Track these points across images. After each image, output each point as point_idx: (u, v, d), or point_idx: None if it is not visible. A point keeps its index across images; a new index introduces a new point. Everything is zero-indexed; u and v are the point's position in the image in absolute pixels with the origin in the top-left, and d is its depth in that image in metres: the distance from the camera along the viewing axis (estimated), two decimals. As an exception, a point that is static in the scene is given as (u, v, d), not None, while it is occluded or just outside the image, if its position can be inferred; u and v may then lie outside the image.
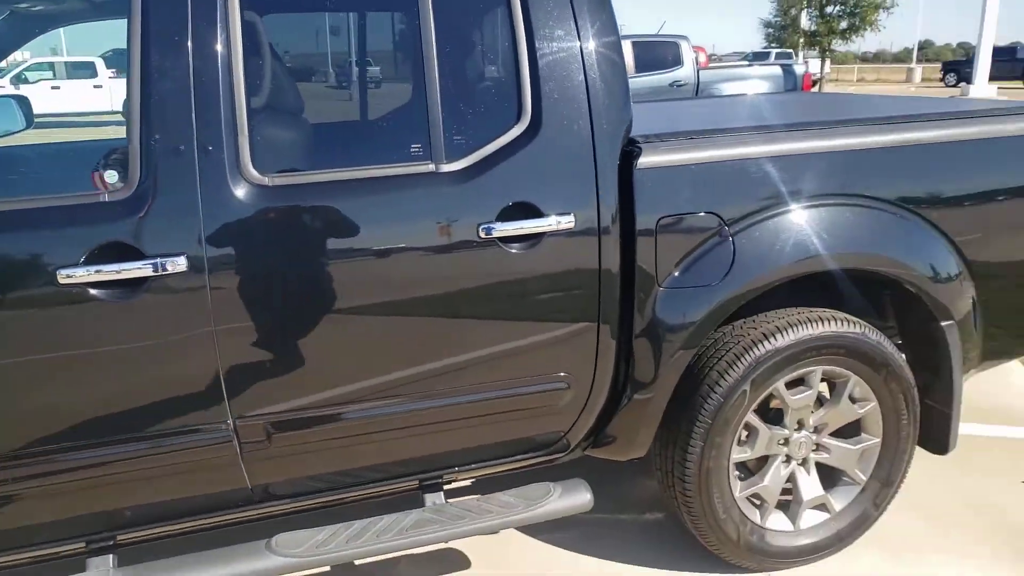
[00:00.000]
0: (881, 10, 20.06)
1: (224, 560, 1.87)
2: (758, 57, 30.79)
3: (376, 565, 2.42)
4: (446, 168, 1.87)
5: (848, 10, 20.21)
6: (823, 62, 22.84)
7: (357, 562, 2.42)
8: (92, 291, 1.66)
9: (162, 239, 1.69)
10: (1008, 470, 2.86)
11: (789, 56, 27.27)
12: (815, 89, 18.35)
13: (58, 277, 1.63)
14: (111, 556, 1.88)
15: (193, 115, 1.69)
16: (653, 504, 2.69)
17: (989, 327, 2.40)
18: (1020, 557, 2.37)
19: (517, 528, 2.58)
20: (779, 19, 27.68)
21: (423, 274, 1.87)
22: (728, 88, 11.35)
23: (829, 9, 20.38)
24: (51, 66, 18.93)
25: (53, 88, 18.34)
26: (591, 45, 1.96)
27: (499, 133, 1.90)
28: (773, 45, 29.75)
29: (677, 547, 2.44)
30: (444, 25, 1.87)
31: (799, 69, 11.47)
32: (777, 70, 12.07)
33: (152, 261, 1.67)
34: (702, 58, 13.13)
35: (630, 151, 2.00)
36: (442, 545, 2.51)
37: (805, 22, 22.95)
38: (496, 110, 1.94)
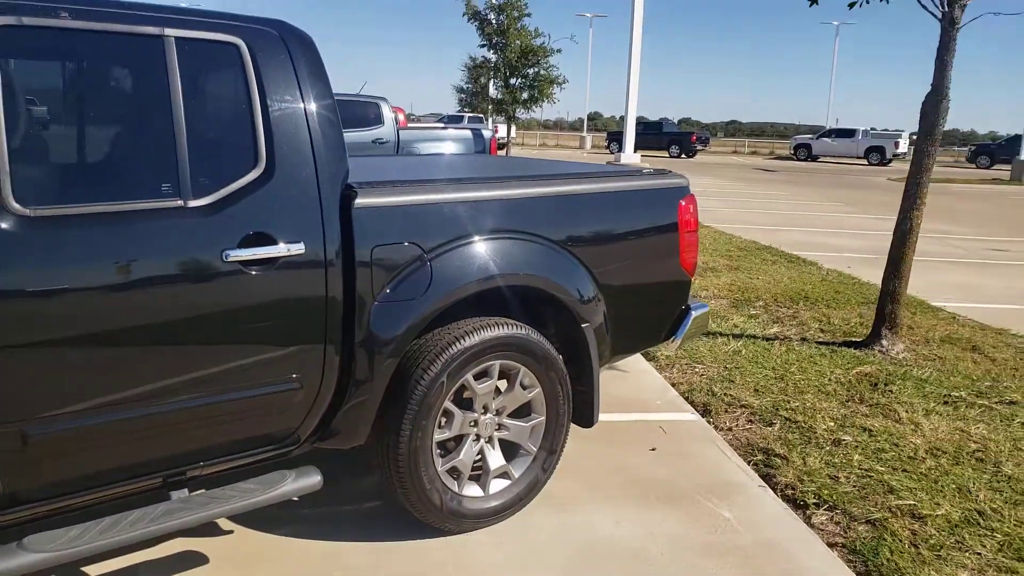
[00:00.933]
0: (555, 85, 23.14)
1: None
2: (453, 120, 33.42)
3: (120, 572, 2.63)
4: (193, 204, 2.29)
5: (528, 83, 23.02)
6: (509, 127, 25.63)
7: (94, 571, 2.61)
8: None
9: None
10: (640, 442, 3.88)
11: (480, 120, 30.03)
12: (501, 152, 20.62)
13: None
14: None
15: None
16: (369, 497, 3.23)
17: (615, 331, 3.36)
18: (645, 499, 3.31)
19: (256, 528, 2.95)
20: (470, 86, 30.32)
21: (174, 294, 2.25)
22: (425, 147, 12.49)
23: (512, 81, 23.02)
24: None
25: None
26: (313, 107, 2.53)
27: (239, 175, 2.37)
28: (466, 109, 32.44)
29: (387, 525, 3.00)
30: (187, 81, 2.31)
31: (487, 133, 12.99)
32: (468, 133, 13.52)
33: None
34: (401, 118, 14.22)
35: (348, 193, 2.58)
36: (181, 547, 2.79)
37: (492, 91, 25.55)
38: (236, 156, 2.40)
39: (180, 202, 2.28)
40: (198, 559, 2.76)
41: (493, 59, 22.70)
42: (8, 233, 2.00)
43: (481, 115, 31.96)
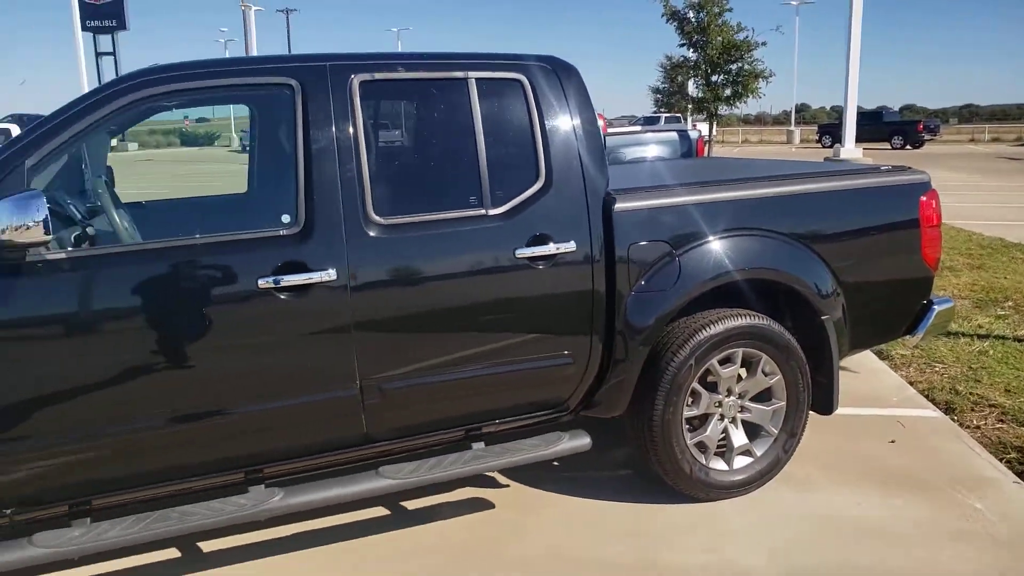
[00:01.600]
0: (761, 79, 22.66)
1: (347, 483, 2.77)
2: (649, 121, 33.48)
3: (425, 509, 3.31)
4: (492, 212, 2.90)
5: (731, 79, 22.75)
6: (711, 126, 25.39)
7: (411, 506, 3.31)
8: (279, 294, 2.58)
9: (321, 259, 2.63)
10: (877, 435, 4.05)
11: (678, 120, 29.92)
12: (706, 151, 20.52)
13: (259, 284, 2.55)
14: (261, 485, 2.74)
15: (343, 177, 2.66)
16: (622, 466, 3.71)
17: (854, 324, 3.60)
18: (886, 486, 3.52)
19: (528, 484, 3.53)
20: (667, 86, 30.34)
21: (478, 283, 2.87)
22: (631, 152, 12.90)
23: (714, 78, 22.87)
24: None
25: None
26: (580, 127, 3.06)
27: (525, 188, 2.96)
28: (662, 110, 32.45)
29: (642, 490, 3.45)
30: (485, 113, 2.93)
31: (693, 134, 13.16)
32: (674, 135, 13.75)
33: (318, 273, 2.61)
34: (601, 124, 14.76)
35: (608, 199, 3.09)
36: (471, 495, 3.44)
37: (692, 89, 25.46)
38: (523, 173, 2.99)
39: (483, 211, 2.90)
40: (486, 504, 3.39)
41: (693, 57, 22.60)
42: (371, 237, 2.70)
43: (679, 115, 31.81)
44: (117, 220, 2.76)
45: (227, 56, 2.95)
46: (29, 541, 2.48)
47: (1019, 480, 3.55)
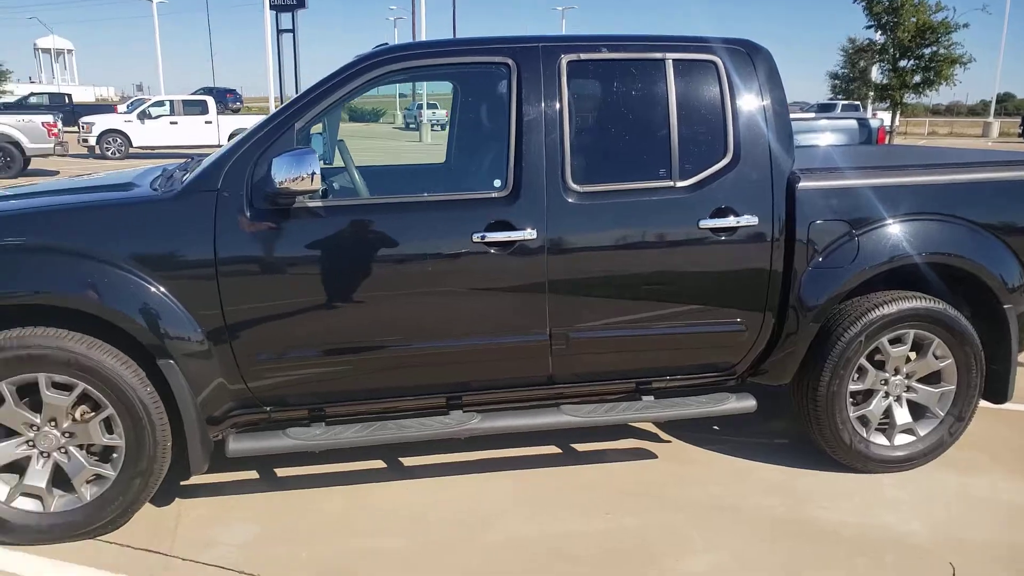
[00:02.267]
0: (957, 65, 21.18)
1: (533, 415, 3.20)
2: (824, 108, 31.93)
3: (593, 452, 3.69)
4: (679, 184, 3.19)
5: (923, 64, 21.38)
6: (893, 115, 23.98)
7: (580, 448, 3.70)
8: (488, 248, 3.01)
9: (525, 219, 3.03)
10: (1051, 432, 4.01)
11: (856, 108, 28.41)
12: (887, 142, 19.47)
13: (473, 238, 2.99)
14: (460, 410, 3.21)
15: (547, 147, 3.05)
16: (778, 435, 3.91)
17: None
18: (1054, 478, 3.53)
19: (689, 442, 3.83)
20: (847, 72, 28.84)
21: (664, 249, 3.18)
22: (806, 139, 12.59)
23: (902, 63, 21.59)
24: (170, 103, 21.69)
25: (171, 123, 21.09)
26: (769, 107, 3.28)
27: (712, 163, 3.23)
28: (839, 96, 30.89)
29: (798, 458, 3.65)
30: (679, 92, 3.21)
31: (874, 123, 12.64)
32: (852, 124, 13.26)
33: (522, 231, 3.02)
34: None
35: (793, 178, 3.29)
36: (635, 445, 3.78)
37: (876, 75, 24.13)
38: (711, 148, 3.25)
39: (671, 183, 3.20)
40: (648, 454, 3.72)
41: (880, 40, 21.38)
42: (568, 202, 3.08)
43: (857, 103, 30.20)
44: (357, 178, 3.29)
45: (444, 38, 3.37)
46: (285, 433, 3.07)
47: None
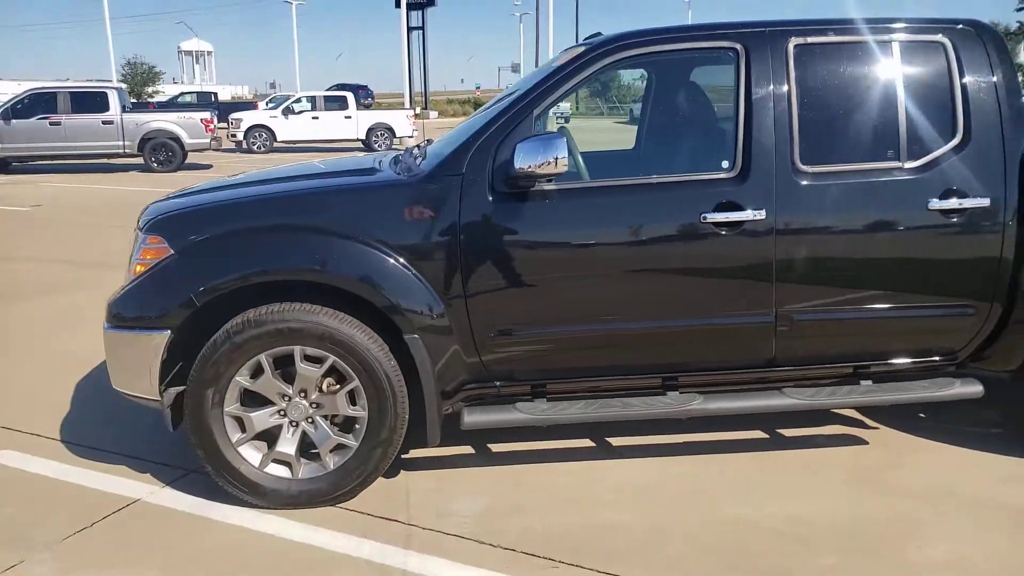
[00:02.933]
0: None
1: (754, 397, 3.22)
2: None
3: (802, 437, 3.68)
4: (908, 165, 3.16)
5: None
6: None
7: (788, 433, 3.70)
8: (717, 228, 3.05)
9: (753, 200, 3.06)
10: None
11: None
12: None
13: (702, 218, 3.04)
14: (677, 391, 3.25)
15: (776, 128, 3.07)
16: (994, 424, 3.80)
17: None
18: None
19: (898, 428, 3.76)
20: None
21: (889, 231, 3.15)
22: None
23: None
24: (312, 99, 22.91)
25: (313, 119, 22.26)
26: (1002, 86, 3.20)
27: (942, 144, 3.18)
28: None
29: (1014, 447, 3.53)
30: (907, 73, 3.18)
31: None
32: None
33: (751, 211, 3.05)
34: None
35: (1025, 158, 3.21)
36: (843, 430, 3.75)
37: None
38: (940, 129, 3.20)
39: (899, 163, 3.17)
40: (859, 440, 3.69)
41: None
42: (797, 183, 3.09)
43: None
44: (581, 162, 3.38)
45: (676, 24, 3.42)
46: (515, 407, 3.19)
47: None
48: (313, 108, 22.88)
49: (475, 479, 3.41)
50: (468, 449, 3.66)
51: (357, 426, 3.13)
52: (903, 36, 3.22)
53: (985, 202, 3.15)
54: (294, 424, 3.14)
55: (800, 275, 3.14)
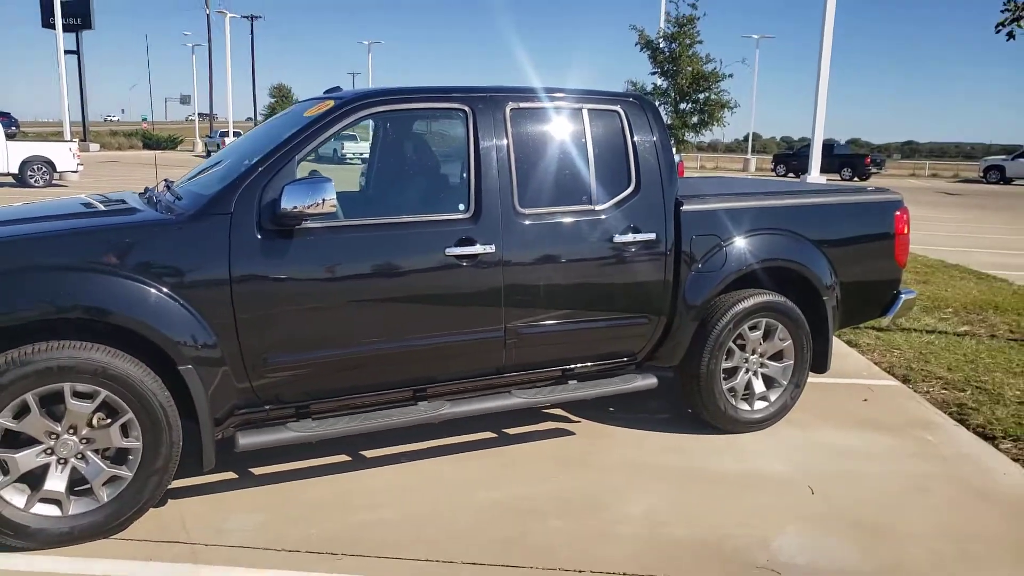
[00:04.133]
0: (726, 109, 24.39)
1: (491, 399, 3.91)
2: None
3: (522, 434, 4.43)
4: (598, 208, 4.07)
5: (698, 107, 24.44)
6: (678, 151, 27.07)
7: (510, 431, 4.43)
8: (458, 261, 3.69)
9: (484, 237, 3.74)
10: (853, 397, 5.31)
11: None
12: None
13: (446, 252, 3.66)
14: (427, 400, 3.83)
15: (499, 177, 3.80)
16: (659, 411, 4.88)
17: (845, 305, 4.84)
18: (863, 428, 4.76)
19: (595, 420, 4.68)
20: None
21: (587, 260, 4.03)
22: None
23: (683, 106, 24.52)
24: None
25: None
26: (659, 147, 4.25)
27: (621, 191, 4.13)
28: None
29: (678, 427, 4.63)
30: (594, 135, 4.10)
31: (677, 158, 14.58)
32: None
33: (483, 247, 3.73)
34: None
35: (678, 202, 4.27)
36: (554, 425, 4.58)
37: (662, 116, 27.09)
38: (619, 180, 4.16)
39: (592, 207, 4.07)
40: (567, 432, 4.55)
41: (663, 85, 24.10)
42: (516, 223, 3.84)
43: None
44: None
45: (401, 85, 4.01)
46: (286, 427, 3.53)
47: (957, 423, 4.85)
48: None
49: (244, 499, 3.68)
50: (231, 474, 3.90)
51: (131, 457, 3.27)
52: (591, 105, 4.15)
53: (652, 236, 4.16)
54: (62, 461, 3.20)
55: (523, 296, 3.89)
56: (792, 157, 40.33)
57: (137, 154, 49.24)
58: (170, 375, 3.28)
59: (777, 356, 4.69)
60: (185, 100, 78.56)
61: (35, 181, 20.66)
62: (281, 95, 63.24)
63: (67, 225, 3.45)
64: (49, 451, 3.17)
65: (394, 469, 4.03)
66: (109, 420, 3.23)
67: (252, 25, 61.39)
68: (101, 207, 3.86)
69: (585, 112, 4.13)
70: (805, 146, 40.67)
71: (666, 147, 4.31)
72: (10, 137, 21.15)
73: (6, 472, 3.11)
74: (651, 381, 4.32)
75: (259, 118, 62.42)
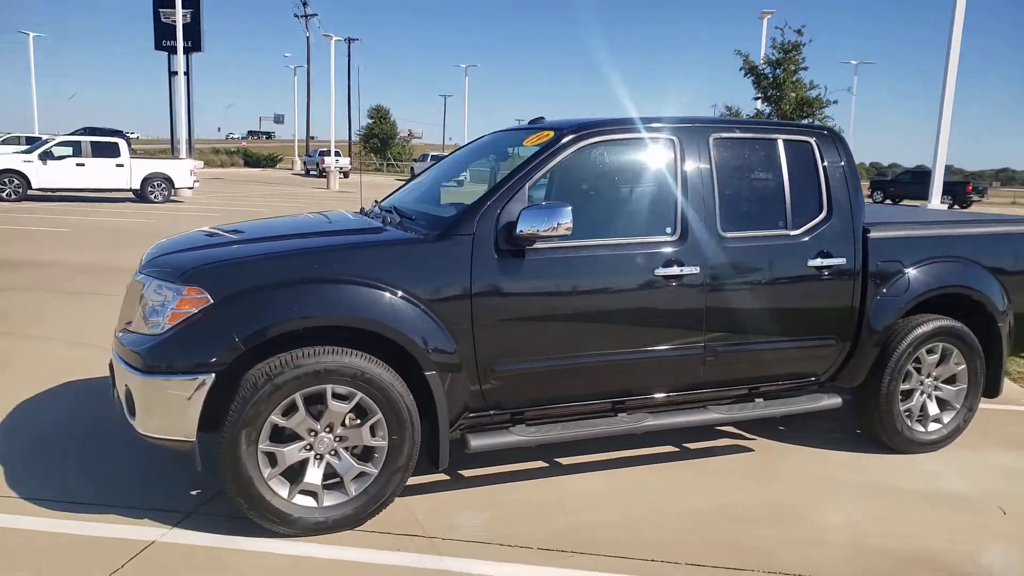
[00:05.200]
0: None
1: (688, 414, 4.12)
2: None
3: (701, 449, 4.62)
4: (792, 232, 4.25)
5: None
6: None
7: (692, 446, 4.63)
8: (666, 281, 3.92)
9: (690, 258, 3.97)
10: (1018, 424, 5.36)
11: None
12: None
13: (655, 272, 3.89)
14: (625, 412, 4.06)
15: (704, 202, 4.02)
16: (834, 431, 5.01)
17: (1017, 331, 4.91)
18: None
19: (772, 438, 4.84)
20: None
21: (781, 282, 4.21)
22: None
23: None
24: (75, 144, 20.93)
25: (78, 165, 20.29)
26: (848, 175, 4.42)
27: (814, 217, 4.31)
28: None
29: (854, 447, 4.75)
30: (789, 163, 4.29)
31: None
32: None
33: (689, 268, 3.95)
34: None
35: (866, 229, 4.43)
36: (730, 442, 4.75)
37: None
38: (812, 206, 4.34)
39: (787, 231, 4.26)
40: (746, 449, 4.72)
41: (766, 110, 23.89)
42: (718, 246, 4.05)
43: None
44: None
45: (617, 116, 4.27)
46: (510, 431, 3.80)
47: None
48: (77, 154, 20.88)
49: (464, 499, 3.95)
50: (444, 476, 4.18)
51: (376, 455, 3.57)
52: (785, 136, 4.37)
53: (842, 261, 4.33)
54: (319, 457, 3.52)
55: (723, 315, 4.10)
56: (889, 183, 39.96)
57: (237, 171, 51.30)
58: (411, 380, 3.58)
59: (951, 380, 4.79)
60: (279, 119, 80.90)
61: (155, 197, 21.71)
62: (380, 116, 64.62)
63: (338, 241, 3.80)
64: (308, 447, 3.50)
65: (598, 476, 4.27)
66: (359, 421, 3.54)
67: (349, 48, 63.18)
68: (353, 226, 4.21)
69: (780, 142, 4.33)
70: (903, 173, 40.23)
71: (854, 176, 4.48)
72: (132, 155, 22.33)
73: (274, 464, 3.45)
74: (836, 401, 4.48)
75: (354, 138, 64.01)
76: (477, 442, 3.74)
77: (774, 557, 3.45)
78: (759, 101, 23.84)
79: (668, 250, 3.98)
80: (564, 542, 3.53)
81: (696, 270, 3.99)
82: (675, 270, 3.95)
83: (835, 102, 23.32)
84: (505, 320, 3.71)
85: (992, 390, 4.90)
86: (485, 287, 3.66)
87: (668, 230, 4.04)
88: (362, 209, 4.53)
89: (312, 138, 61.88)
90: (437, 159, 5.25)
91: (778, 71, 22.86)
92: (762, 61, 23.88)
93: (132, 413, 3.41)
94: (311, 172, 51.25)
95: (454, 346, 3.61)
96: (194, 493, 3.91)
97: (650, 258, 3.94)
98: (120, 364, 3.50)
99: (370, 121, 64.34)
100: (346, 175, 41.36)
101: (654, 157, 4.12)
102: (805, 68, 22.75)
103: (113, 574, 3.16)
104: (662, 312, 4.00)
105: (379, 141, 64.50)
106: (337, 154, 31.50)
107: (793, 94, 22.60)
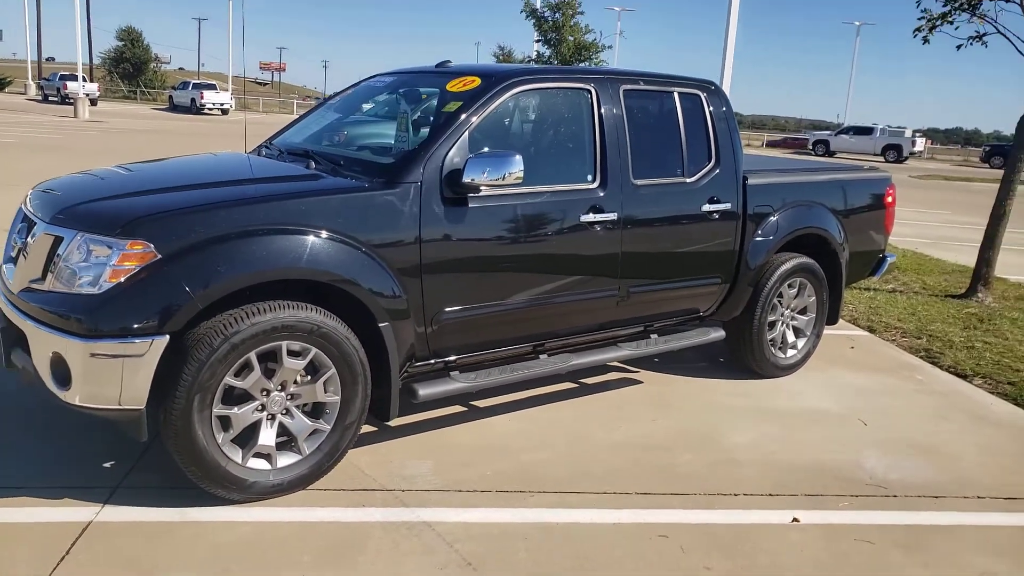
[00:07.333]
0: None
1: (603, 352, 4.44)
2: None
3: (598, 383, 4.99)
4: (688, 180, 4.66)
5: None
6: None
7: (589, 381, 4.99)
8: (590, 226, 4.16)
9: (609, 204, 4.24)
10: (841, 345, 6.29)
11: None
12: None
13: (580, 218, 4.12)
14: (546, 354, 4.31)
15: (619, 151, 4.29)
16: (700, 360, 5.61)
17: (850, 265, 5.74)
18: (862, 370, 5.72)
19: (656, 371, 5.32)
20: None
21: (679, 224, 4.62)
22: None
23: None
24: None
25: None
26: (731, 127, 4.90)
27: (704, 166, 4.75)
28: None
29: (722, 372, 5.37)
30: (684, 115, 4.68)
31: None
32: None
33: (608, 214, 4.22)
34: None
35: (744, 176, 4.95)
36: (621, 375, 5.17)
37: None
38: (703, 156, 4.76)
39: (684, 179, 4.66)
40: (636, 382, 5.17)
41: (546, 54, 24.83)
42: (629, 192, 4.35)
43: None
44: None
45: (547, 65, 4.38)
46: (451, 378, 3.89)
47: (932, 365, 5.93)
48: None
49: (399, 449, 4.00)
50: (370, 427, 4.19)
51: (328, 411, 3.53)
52: (679, 89, 4.73)
53: (729, 206, 4.83)
54: (271, 417, 3.41)
55: (637, 258, 4.44)
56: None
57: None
58: (360, 333, 3.55)
59: (803, 311, 5.53)
60: (-4, 36, 69.76)
61: None
62: (131, 39, 58.62)
63: (286, 188, 3.60)
64: (261, 407, 3.38)
65: (518, 416, 4.49)
66: (309, 377, 3.47)
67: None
68: (286, 172, 3.99)
69: (676, 95, 4.69)
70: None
71: (735, 129, 4.96)
72: None
73: (227, 428, 3.30)
74: (720, 333, 5.02)
75: (96, 61, 57.33)
76: (425, 391, 3.80)
77: (707, 480, 3.89)
78: (539, 43, 24.80)
79: (591, 197, 4.22)
80: (515, 482, 3.73)
81: (614, 216, 4.27)
82: (598, 216, 4.21)
83: (609, 47, 24.86)
84: (450, 268, 3.77)
85: (832, 318, 5.72)
86: (433, 234, 3.68)
87: (589, 177, 4.28)
88: (258, 149, 4.30)
89: (51, 59, 54.55)
90: (323, 101, 5.09)
91: (557, 15, 23.87)
92: (543, 5, 24.77)
93: (64, 383, 3.09)
94: (50, 98, 45.80)
95: (404, 296, 3.63)
96: (107, 465, 3.63)
97: (578, 205, 4.16)
98: (38, 328, 3.14)
99: (120, 44, 58.43)
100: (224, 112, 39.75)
101: (576, 107, 4.31)
102: (581, 12, 23.99)
103: (62, 561, 2.90)
104: (586, 257, 4.25)
105: (131, 66, 59.00)
106: (84, 79, 28.23)
107: (571, 38, 23.72)
